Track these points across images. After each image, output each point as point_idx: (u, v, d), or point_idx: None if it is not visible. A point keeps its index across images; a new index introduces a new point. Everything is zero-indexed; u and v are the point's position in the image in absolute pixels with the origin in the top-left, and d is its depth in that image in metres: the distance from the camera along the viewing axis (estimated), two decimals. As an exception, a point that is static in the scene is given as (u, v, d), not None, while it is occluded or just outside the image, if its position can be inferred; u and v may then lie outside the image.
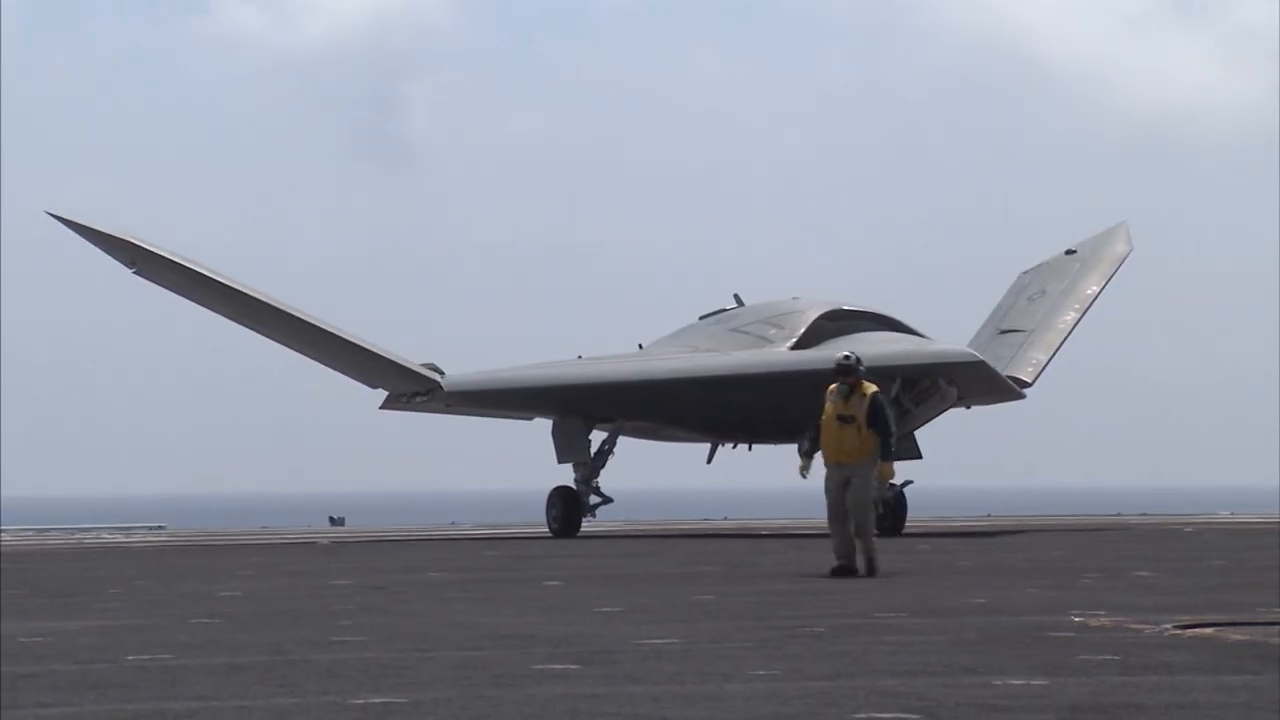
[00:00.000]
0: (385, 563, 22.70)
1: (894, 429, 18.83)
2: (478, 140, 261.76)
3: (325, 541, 30.30)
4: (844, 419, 18.57)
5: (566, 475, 31.79)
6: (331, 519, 42.53)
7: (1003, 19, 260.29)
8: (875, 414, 18.52)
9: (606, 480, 31.81)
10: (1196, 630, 11.90)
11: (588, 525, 31.77)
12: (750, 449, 32.90)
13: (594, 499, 31.47)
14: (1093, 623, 12.53)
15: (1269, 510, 46.08)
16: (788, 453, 31.58)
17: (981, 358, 30.08)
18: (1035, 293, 34.65)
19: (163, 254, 30.94)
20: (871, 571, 18.22)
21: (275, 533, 35.81)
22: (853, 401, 18.57)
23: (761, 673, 9.87)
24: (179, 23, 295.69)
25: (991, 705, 8.58)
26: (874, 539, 18.57)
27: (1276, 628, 12.09)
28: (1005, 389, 30.99)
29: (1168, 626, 12.11)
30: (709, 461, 33.25)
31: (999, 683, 9.34)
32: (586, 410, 31.78)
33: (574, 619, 13.50)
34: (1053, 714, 8.31)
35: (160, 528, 39.84)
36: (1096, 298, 34.30)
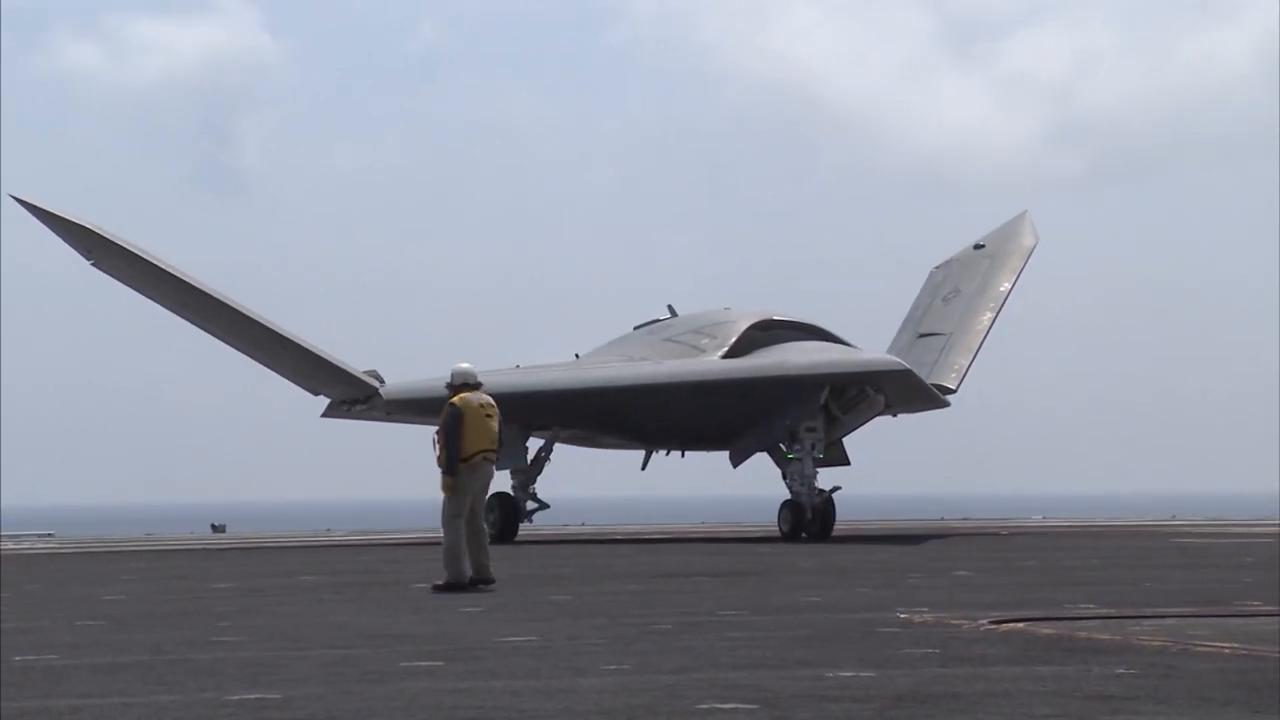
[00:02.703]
0: (263, 567, 22.44)
1: (448, 441, 16.81)
2: (308, 171, 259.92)
3: (204, 545, 29.88)
4: None
5: (504, 482, 30.84)
6: (213, 526, 41.92)
7: (792, 63, 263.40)
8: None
9: (544, 486, 31.03)
10: (1010, 625, 12.07)
11: (525, 530, 31.00)
12: (683, 456, 31.99)
13: (531, 505, 30.72)
14: (916, 619, 12.67)
15: (1078, 515, 46.88)
16: (719, 460, 30.76)
17: (909, 367, 28.90)
18: (949, 292, 33.60)
19: (122, 244, 29.42)
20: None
21: (160, 540, 35.26)
22: None
23: (613, 668, 9.89)
24: (19, 61, 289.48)
25: (823, 695, 8.65)
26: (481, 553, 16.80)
27: (1082, 622, 12.30)
28: (931, 397, 29.88)
29: (984, 622, 12.27)
30: (643, 468, 32.24)
31: (831, 675, 9.41)
32: (524, 418, 30.56)
33: (440, 619, 13.43)
34: (879, 703, 8.40)
35: (49, 535, 39.09)
36: (1009, 295, 33.27)
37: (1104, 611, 13.16)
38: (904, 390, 28.88)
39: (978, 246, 34.48)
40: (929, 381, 30.15)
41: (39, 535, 38.95)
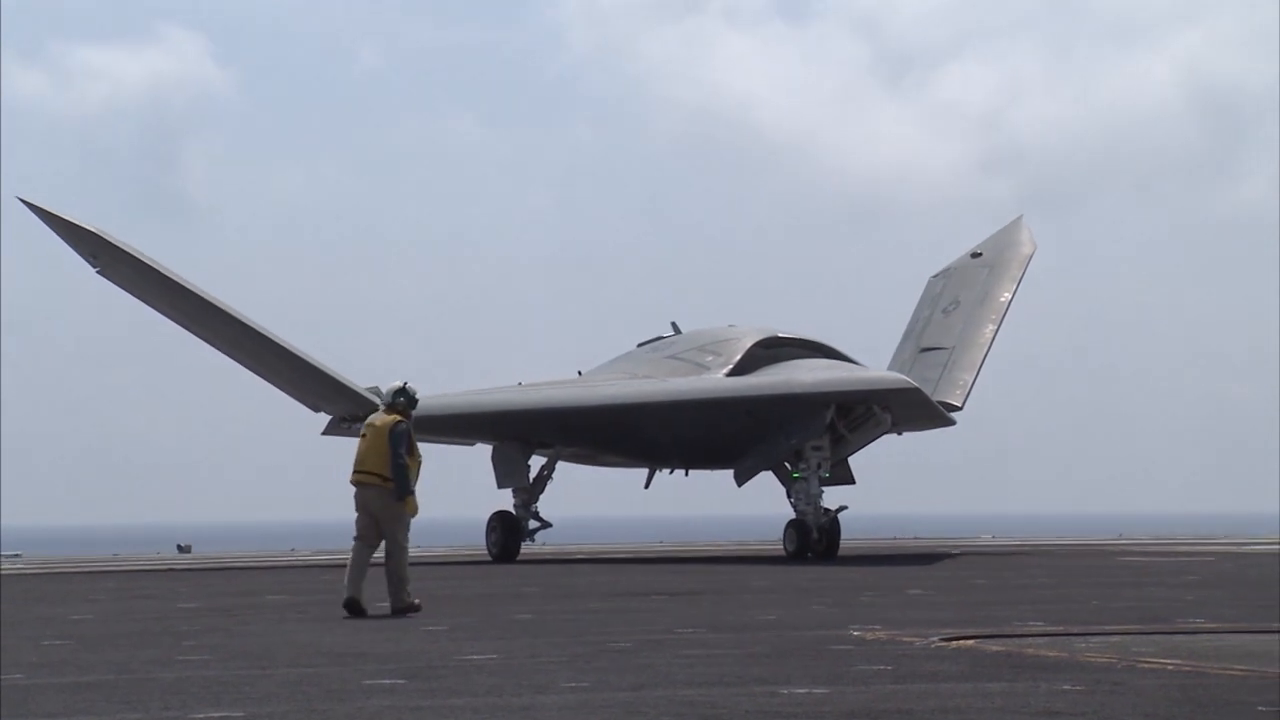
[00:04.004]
0: (228, 587, 22.33)
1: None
2: (254, 194, 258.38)
3: (167, 567, 29.70)
4: None
5: (506, 500, 30.25)
6: (179, 546, 41.67)
7: (727, 90, 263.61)
8: None
9: (546, 505, 30.47)
10: (960, 642, 12.11)
11: (527, 549, 30.53)
12: (687, 474, 31.07)
13: (533, 523, 30.06)
14: (869, 636, 12.69)
15: (1027, 534, 47.02)
16: (724, 479, 29.88)
17: (916, 385, 27.63)
18: (949, 304, 32.40)
19: (130, 251, 28.22)
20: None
21: (126, 560, 35.04)
22: None
23: (572, 685, 9.87)
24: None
25: (778, 712, 8.66)
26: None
27: (1030, 639, 12.35)
28: (938, 415, 28.83)
29: (935, 639, 12.30)
30: (646, 486, 31.29)
31: (785, 692, 9.42)
32: (526, 436, 29.96)
33: (402, 637, 13.39)
34: (832, 719, 8.41)
35: (17, 555, 38.81)
36: (1010, 305, 32.11)
37: (1052, 629, 13.21)
38: (911, 409, 27.88)
39: (975, 255, 33.31)
40: (934, 399, 29.08)
41: (7, 556, 38.66)
